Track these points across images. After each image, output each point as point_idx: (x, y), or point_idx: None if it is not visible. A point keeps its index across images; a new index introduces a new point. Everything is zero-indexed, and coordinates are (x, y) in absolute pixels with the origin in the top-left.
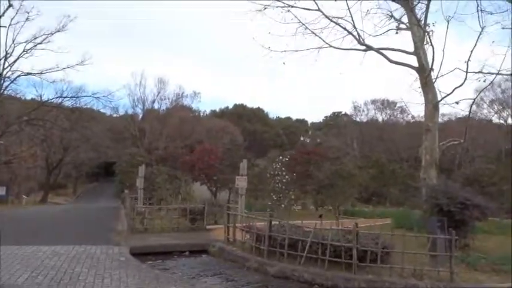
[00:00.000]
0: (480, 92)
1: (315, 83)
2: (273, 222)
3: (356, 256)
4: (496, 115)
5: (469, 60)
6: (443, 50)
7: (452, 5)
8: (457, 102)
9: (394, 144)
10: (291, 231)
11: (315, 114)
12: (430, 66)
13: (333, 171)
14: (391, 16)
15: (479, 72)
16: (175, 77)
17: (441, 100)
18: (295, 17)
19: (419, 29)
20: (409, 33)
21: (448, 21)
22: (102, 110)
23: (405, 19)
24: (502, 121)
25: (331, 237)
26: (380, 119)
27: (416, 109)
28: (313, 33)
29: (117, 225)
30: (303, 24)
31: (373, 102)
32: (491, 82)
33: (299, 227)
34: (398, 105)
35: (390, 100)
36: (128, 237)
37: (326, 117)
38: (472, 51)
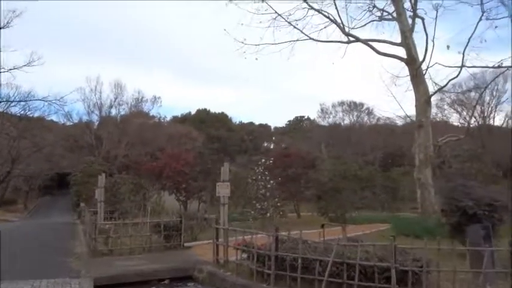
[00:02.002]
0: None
1: (278, 87)
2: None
3: (395, 279)
4: (457, 115)
5: (464, 51)
6: (432, 40)
7: None
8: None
9: (362, 146)
10: (304, 248)
11: (278, 119)
12: (422, 57)
13: (337, 173)
14: (374, 6)
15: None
16: (133, 82)
17: (435, 93)
18: (270, 7)
19: (406, 19)
20: (393, 23)
21: (437, 10)
22: (54, 119)
23: (390, 9)
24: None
25: (360, 255)
26: (347, 121)
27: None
28: (290, 24)
29: (75, 246)
30: (279, 15)
31: (341, 104)
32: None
33: (305, 241)
34: (365, 107)
35: (358, 102)
36: (90, 262)
37: (289, 121)
38: (468, 42)
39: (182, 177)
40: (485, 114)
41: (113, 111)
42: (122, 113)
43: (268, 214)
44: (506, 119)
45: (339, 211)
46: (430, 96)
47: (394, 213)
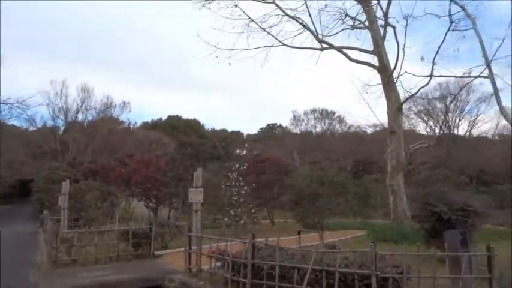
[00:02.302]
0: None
1: (251, 94)
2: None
3: (375, 286)
4: (423, 124)
5: (434, 59)
6: (403, 49)
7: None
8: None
9: (333, 154)
10: (282, 256)
11: (250, 126)
12: (394, 65)
13: (315, 179)
14: (346, 14)
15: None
16: (100, 87)
17: (406, 100)
18: (244, 12)
19: (377, 28)
20: (365, 32)
21: (406, 20)
22: (16, 123)
23: (362, 18)
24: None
25: (339, 262)
26: (319, 129)
27: (354, 117)
28: (264, 30)
29: (35, 256)
30: (252, 21)
31: (313, 112)
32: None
33: (282, 248)
34: (336, 114)
35: (329, 110)
36: (51, 274)
37: (261, 129)
38: (438, 50)
39: (152, 183)
40: (450, 124)
41: (80, 116)
42: (89, 118)
43: (242, 221)
44: (469, 128)
45: (316, 217)
46: (401, 104)
47: (365, 219)
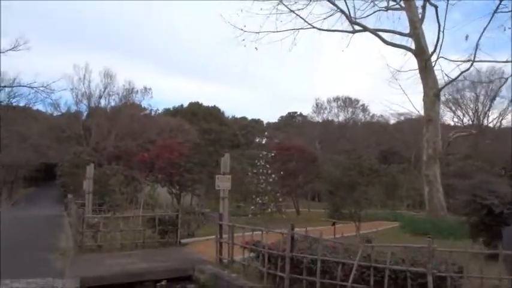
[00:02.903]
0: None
1: (272, 82)
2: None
3: (432, 286)
4: (450, 114)
5: (478, 42)
6: (442, 32)
7: None
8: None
9: (355, 143)
10: (323, 249)
11: (270, 114)
12: (434, 48)
13: (352, 167)
14: None
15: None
16: (123, 73)
17: (445, 86)
18: None
19: (415, 8)
20: (397, 14)
21: (447, 0)
22: (41, 108)
23: None
24: (455, 120)
25: (390, 259)
26: (341, 118)
27: (377, 108)
28: (293, 11)
29: (60, 240)
30: (281, 2)
31: (336, 100)
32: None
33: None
34: (360, 103)
35: (353, 98)
36: (76, 260)
37: (282, 117)
38: (482, 33)
39: (176, 169)
40: (479, 113)
41: (103, 102)
42: (112, 103)
43: (269, 210)
44: (500, 118)
45: (353, 208)
46: (440, 89)
47: (392, 210)
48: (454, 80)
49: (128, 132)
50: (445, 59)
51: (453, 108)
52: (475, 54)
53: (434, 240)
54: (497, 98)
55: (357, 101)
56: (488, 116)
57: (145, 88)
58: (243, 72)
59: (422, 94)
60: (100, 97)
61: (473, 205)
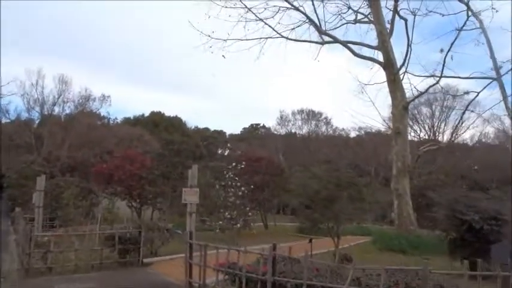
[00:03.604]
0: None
1: (235, 93)
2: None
3: None
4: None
5: (445, 57)
6: (409, 46)
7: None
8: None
9: (317, 156)
10: (309, 272)
11: (232, 126)
12: (402, 61)
13: (331, 180)
14: (349, 7)
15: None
16: (79, 79)
17: (414, 99)
18: (240, 1)
19: (384, 21)
20: (365, 27)
21: (414, 15)
22: None
23: (365, 11)
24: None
25: (382, 283)
26: (305, 130)
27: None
28: (261, 20)
29: (3, 262)
30: (249, 10)
31: (300, 112)
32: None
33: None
34: (323, 116)
35: (316, 111)
36: (22, 285)
37: (244, 128)
38: (450, 47)
39: (137, 181)
40: (435, 129)
41: (56, 109)
42: (67, 111)
43: (238, 225)
44: (453, 134)
45: (332, 222)
46: (408, 102)
47: (359, 224)
48: (422, 93)
49: (83, 142)
50: (412, 74)
51: (410, 123)
52: (442, 69)
53: (409, 258)
54: (452, 115)
55: (320, 113)
56: (443, 132)
57: (103, 95)
58: (206, 82)
59: (390, 107)
60: (54, 104)
61: (452, 220)
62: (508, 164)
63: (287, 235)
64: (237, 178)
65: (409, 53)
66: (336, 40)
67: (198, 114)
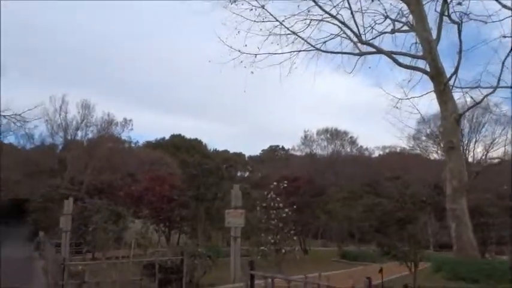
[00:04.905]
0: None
1: (252, 114)
2: None
3: None
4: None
5: (504, 62)
6: (461, 52)
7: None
8: None
9: (345, 177)
10: None
11: (250, 148)
12: (454, 69)
13: (407, 200)
14: (386, 16)
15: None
16: (102, 105)
17: (467, 110)
18: (270, 14)
19: (428, 27)
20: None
21: (461, 20)
22: (13, 141)
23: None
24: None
25: None
26: (329, 151)
27: (365, 140)
28: (293, 32)
29: None
30: (281, 23)
31: (324, 132)
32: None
33: None
34: (349, 135)
35: (342, 130)
36: None
37: (263, 150)
38: (508, 56)
39: (166, 203)
40: (465, 147)
41: (79, 134)
42: (90, 135)
43: (283, 250)
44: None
45: (409, 247)
46: (461, 114)
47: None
48: (478, 103)
49: (106, 166)
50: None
51: (438, 141)
52: (499, 77)
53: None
54: (483, 131)
55: (346, 133)
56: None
57: (125, 120)
58: (224, 105)
59: (439, 120)
60: (77, 129)
61: None
62: None
63: (329, 261)
64: (278, 199)
65: (460, 60)
66: (378, 50)
67: (216, 137)
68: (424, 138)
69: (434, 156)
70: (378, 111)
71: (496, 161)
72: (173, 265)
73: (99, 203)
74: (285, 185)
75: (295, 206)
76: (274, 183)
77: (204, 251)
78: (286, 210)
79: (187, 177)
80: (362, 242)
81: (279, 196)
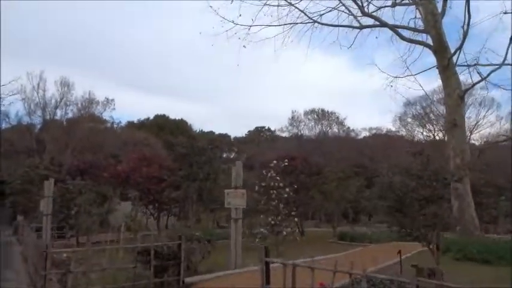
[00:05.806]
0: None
1: (239, 95)
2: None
3: None
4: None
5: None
6: (468, 25)
7: None
8: None
9: (333, 157)
10: None
11: (236, 129)
12: (459, 44)
13: (426, 177)
14: None
15: None
16: (83, 83)
17: (472, 87)
18: None
19: (433, 1)
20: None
21: None
22: None
23: None
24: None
25: None
26: (316, 131)
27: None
28: (290, 4)
29: (9, 282)
30: None
31: (311, 112)
32: None
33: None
34: (336, 115)
35: (329, 111)
36: None
37: (249, 131)
38: None
39: (155, 184)
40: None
41: (59, 113)
42: (69, 115)
43: (284, 232)
44: (469, 133)
45: (429, 229)
46: (465, 91)
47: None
48: (484, 79)
49: (87, 146)
50: (464, 65)
51: (423, 123)
52: (506, 52)
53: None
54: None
55: (333, 113)
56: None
57: (107, 99)
58: (210, 86)
59: (443, 96)
60: (56, 107)
61: None
62: None
63: (327, 243)
64: (278, 178)
65: (466, 33)
66: (380, 23)
67: (202, 117)
68: (409, 120)
69: (419, 137)
70: (365, 93)
71: (503, 139)
72: (170, 251)
73: (82, 184)
74: (286, 164)
75: (295, 186)
76: (274, 161)
77: (201, 234)
78: (287, 190)
79: (176, 157)
80: (355, 222)
81: (279, 175)
